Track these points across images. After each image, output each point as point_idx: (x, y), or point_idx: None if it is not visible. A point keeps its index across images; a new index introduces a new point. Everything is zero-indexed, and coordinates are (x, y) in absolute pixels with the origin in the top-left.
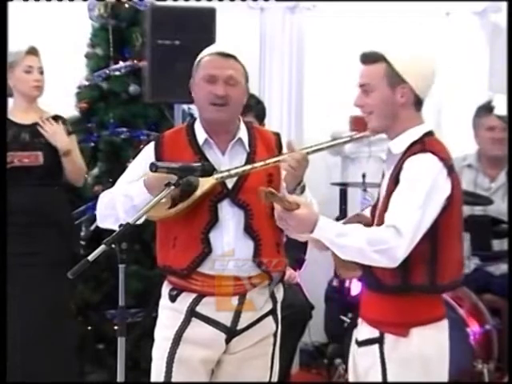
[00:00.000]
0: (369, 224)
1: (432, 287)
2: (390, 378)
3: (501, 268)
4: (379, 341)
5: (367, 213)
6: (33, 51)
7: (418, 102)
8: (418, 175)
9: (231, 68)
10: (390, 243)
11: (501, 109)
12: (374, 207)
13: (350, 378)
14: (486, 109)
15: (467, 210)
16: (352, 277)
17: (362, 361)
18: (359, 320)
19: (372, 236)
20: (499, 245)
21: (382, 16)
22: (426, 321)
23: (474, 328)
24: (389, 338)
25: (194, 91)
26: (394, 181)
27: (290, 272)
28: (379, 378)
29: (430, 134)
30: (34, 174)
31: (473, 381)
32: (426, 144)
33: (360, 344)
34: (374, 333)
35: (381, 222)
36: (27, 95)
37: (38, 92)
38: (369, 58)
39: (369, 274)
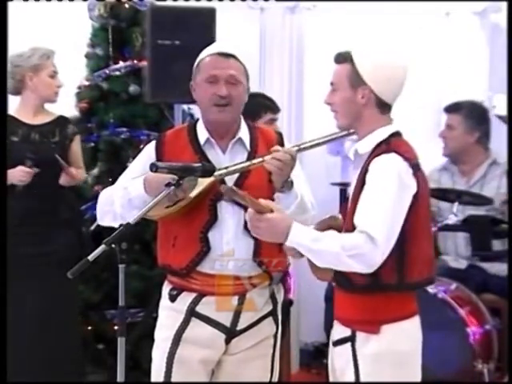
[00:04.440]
0: (341, 226)
1: (401, 285)
2: (362, 376)
3: (495, 267)
4: (351, 339)
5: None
6: (54, 56)
7: (382, 105)
8: (384, 176)
9: (232, 67)
10: (363, 249)
11: (501, 109)
12: (345, 208)
13: (330, 378)
14: (444, 108)
15: (466, 210)
16: (328, 279)
17: (337, 361)
18: (334, 321)
19: (346, 241)
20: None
21: (382, 16)
22: (397, 317)
23: (473, 328)
24: (360, 336)
25: (196, 92)
26: (361, 182)
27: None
28: (352, 377)
29: (397, 134)
30: (44, 175)
31: (473, 381)
32: (391, 144)
33: (335, 344)
34: (347, 332)
35: (349, 225)
36: (47, 99)
37: (57, 97)
38: (339, 58)
39: (340, 273)
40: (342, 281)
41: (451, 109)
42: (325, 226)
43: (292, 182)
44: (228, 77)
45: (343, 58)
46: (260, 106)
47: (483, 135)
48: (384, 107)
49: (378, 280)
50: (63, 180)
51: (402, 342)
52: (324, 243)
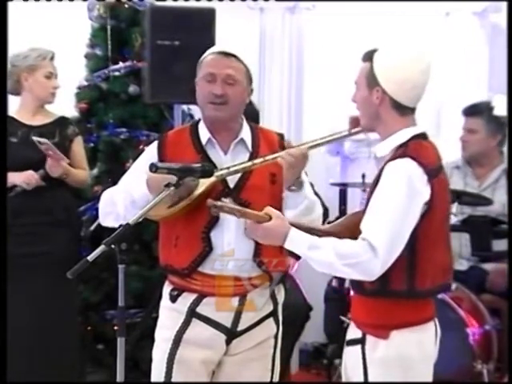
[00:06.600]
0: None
1: (411, 293)
2: (370, 379)
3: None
4: (361, 341)
5: None
6: (53, 57)
7: (400, 107)
8: (393, 182)
9: (230, 67)
10: (362, 257)
11: (500, 109)
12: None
13: (343, 377)
14: (464, 111)
15: (466, 210)
16: None
17: (349, 360)
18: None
19: (342, 250)
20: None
21: (381, 16)
22: (407, 324)
23: (473, 328)
24: (370, 339)
25: (197, 90)
26: (374, 186)
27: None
28: (361, 378)
29: (419, 137)
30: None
31: (473, 381)
32: (409, 148)
33: (347, 344)
34: (358, 333)
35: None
36: (43, 100)
37: (53, 98)
38: (364, 56)
39: None
40: (355, 284)
41: (471, 112)
42: (348, 221)
43: (302, 182)
44: (225, 76)
45: (367, 56)
46: None
47: (503, 138)
48: (402, 109)
49: (387, 286)
50: (49, 166)
51: (410, 348)
52: (319, 251)
